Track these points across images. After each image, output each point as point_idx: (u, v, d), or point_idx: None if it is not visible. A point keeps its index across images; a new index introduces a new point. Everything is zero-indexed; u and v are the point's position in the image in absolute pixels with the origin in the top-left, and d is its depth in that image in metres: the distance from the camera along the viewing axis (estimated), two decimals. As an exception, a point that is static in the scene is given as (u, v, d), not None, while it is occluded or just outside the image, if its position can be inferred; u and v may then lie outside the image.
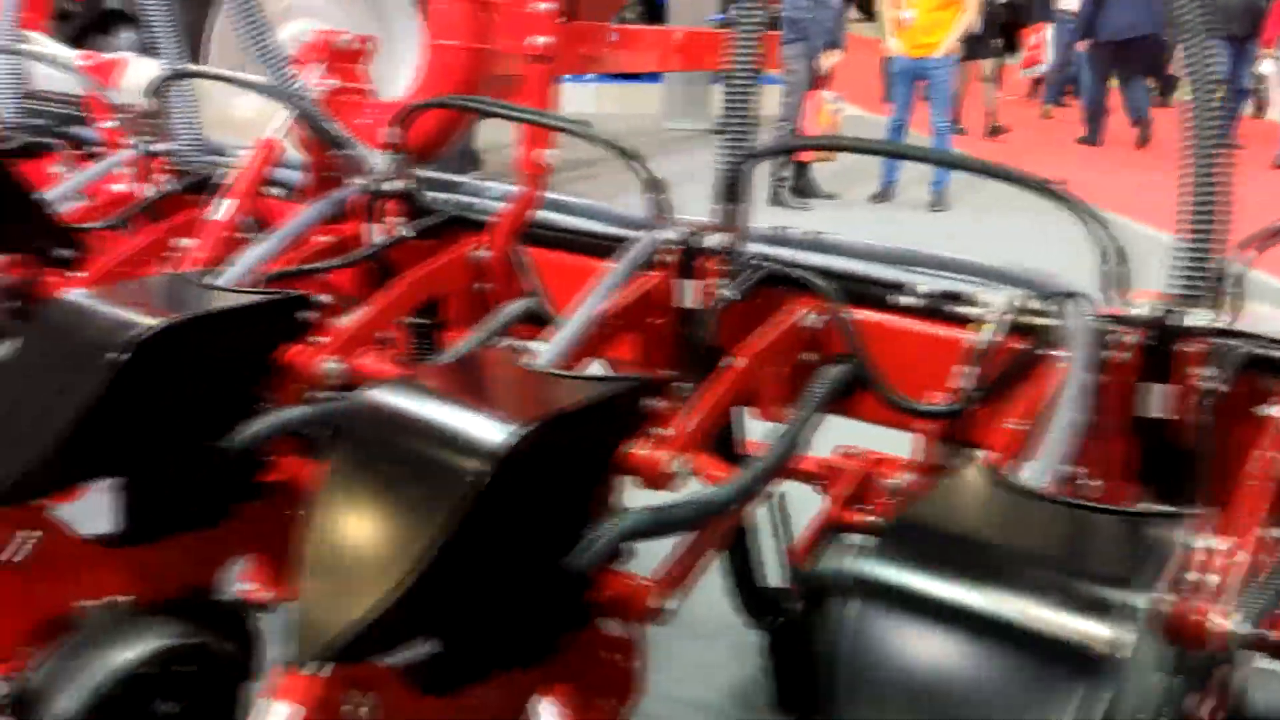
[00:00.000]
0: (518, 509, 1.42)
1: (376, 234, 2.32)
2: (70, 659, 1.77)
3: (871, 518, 2.08)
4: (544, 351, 1.71)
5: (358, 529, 1.40)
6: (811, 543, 2.11)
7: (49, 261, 2.49)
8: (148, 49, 4.63)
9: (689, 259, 1.90)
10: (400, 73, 5.40)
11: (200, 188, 2.68)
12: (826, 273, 1.93)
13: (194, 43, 5.13)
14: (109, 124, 2.93)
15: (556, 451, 1.46)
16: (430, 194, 2.39)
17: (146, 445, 1.83)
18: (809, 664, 2.12)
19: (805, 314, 1.91)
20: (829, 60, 8.43)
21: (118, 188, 2.86)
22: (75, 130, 3.18)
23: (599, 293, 1.83)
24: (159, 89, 2.61)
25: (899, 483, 2.02)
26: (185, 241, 2.47)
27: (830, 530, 2.10)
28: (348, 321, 2.09)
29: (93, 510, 1.93)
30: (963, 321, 1.82)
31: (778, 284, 1.94)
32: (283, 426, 1.96)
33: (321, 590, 1.38)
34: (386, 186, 2.30)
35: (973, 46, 10.63)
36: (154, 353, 1.75)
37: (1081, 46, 13.25)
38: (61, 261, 2.48)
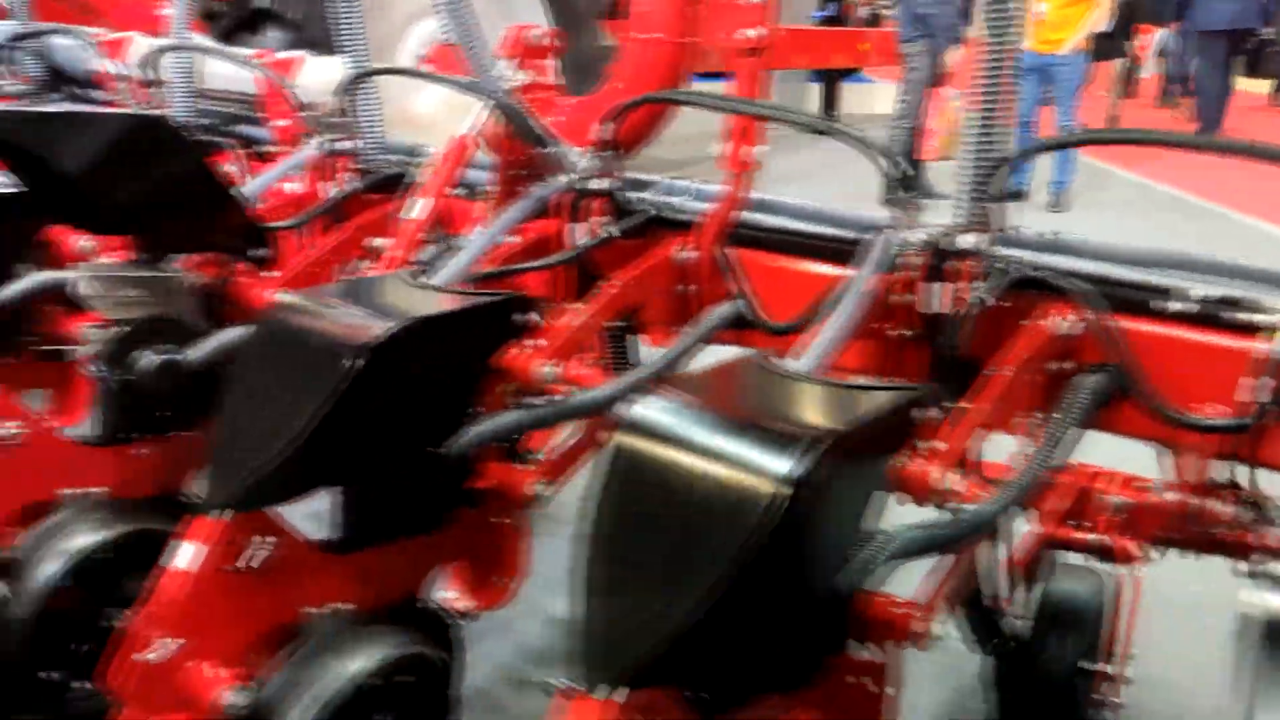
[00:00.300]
0: (809, 531, 1.33)
1: (579, 234, 2.26)
2: (304, 669, 1.74)
3: (1092, 535, 1.97)
4: (801, 360, 1.62)
5: (644, 549, 1.33)
6: (1029, 561, 2.00)
7: (242, 260, 2.48)
8: (295, 47, 4.65)
9: (939, 261, 1.80)
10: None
11: (383, 186, 2.65)
12: (1082, 276, 1.81)
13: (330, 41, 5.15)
14: (284, 123, 2.92)
15: (845, 471, 1.37)
16: (629, 193, 2.32)
17: (375, 450, 1.78)
18: (1042, 688, 2.01)
19: (1059, 320, 1.79)
20: (954, 57, 8.21)
21: (290, 186, 2.84)
22: (244, 129, 3.18)
23: (850, 297, 1.73)
24: (349, 87, 2.58)
25: (1125, 500, 1.90)
26: (378, 241, 2.43)
27: (1047, 548, 1.99)
28: (562, 324, 2.03)
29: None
30: (1244, 329, 1.69)
31: (1027, 288, 1.82)
32: (502, 431, 1.90)
33: (610, 613, 1.30)
34: (593, 185, 2.23)
35: (1104, 46, 10.21)
36: (388, 357, 1.70)
37: (1173, 28, 12.94)
38: (255, 260, 2.46)
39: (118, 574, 2.16)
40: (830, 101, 13.59)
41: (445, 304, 1.87)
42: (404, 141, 2.78)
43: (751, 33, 2.18)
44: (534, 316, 1.99)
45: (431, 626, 2.01)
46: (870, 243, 1.87)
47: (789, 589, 1.35)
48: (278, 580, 1.77)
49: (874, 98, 13.62)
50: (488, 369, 1.94)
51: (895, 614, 1.54)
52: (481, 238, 2.13)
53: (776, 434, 1.32)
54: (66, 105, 3.12)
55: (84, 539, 2.12)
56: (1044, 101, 8.45)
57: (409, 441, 1.83)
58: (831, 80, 13.47)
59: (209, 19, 5.07)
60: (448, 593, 2.13)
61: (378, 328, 1.71)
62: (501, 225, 2.18)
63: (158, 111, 2.88)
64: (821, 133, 1.92)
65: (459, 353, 1.88)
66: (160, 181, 2.23)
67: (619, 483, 1.37)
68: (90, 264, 2.31)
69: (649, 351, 2.36)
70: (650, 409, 1.41)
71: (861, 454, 1.43)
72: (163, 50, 2.97)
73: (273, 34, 5.24)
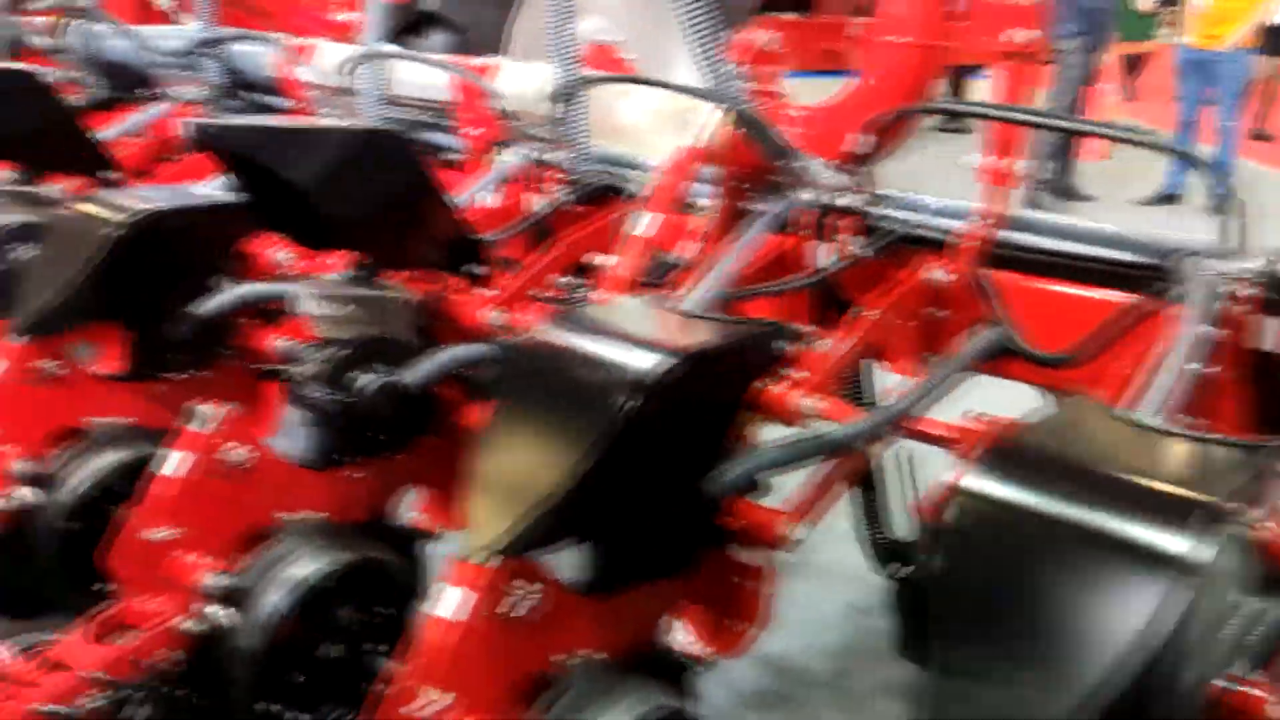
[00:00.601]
0: (1205, 620, 1.17)
1: (824, 253, 2.10)
2: (567, 725, 1.62)
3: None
4: (1143, 405, 1.45)
5: (1005, 635, 1.18)
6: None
7: (455, 276, 2.38)
8: (458, 51, 4.60)
9: (1275, 293, 1.60)
10: (676, 66, 5.18)
11: (593, 199, 2.54)
12: None
13: (494, 41, 5.08)
14: (478, 131, 2.83)
15: (1238, 550, 1.20)
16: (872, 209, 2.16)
17: (644, 490, 1.65)
18: None
19: None
20: (1110, 53, 7.84)
21: (481, 197, 2.74)
22: (431, 137, 3.09)
23: (1188, 337, 1.54)
24: (563, 94, 2.47)
25: None
26: (600, 258, 2.31)
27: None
28: (821, 354, 1.89)
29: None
30: None
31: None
32: (763, 468, 1.76)
33: (968, 702, 1.16)
34: (843, 201, 2.07)
35: (1276, 41, 9.42)
36: (665, 394, 1.57)
37: None
38: (471, 277, 2.36)
39: (340, 603, 2.09)
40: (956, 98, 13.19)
41: (711, 334, 1.74)
42: (607, 151, 2.66)
43: (1020, 35, 2.01)
44: (790, 345, 1.85)
45: (675, 675, 1.88)
46: (1186, 271, 1.68)
47: (1177, 682, 1.19)
48: (533, 626, 1.66)
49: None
50: (745, 401, 1.80)
51: (1251, 698, 1.37)
52: (728, 258, 1.99)
53: (1168, 510, 1.16)
54: (298, 120, 3.06)
55: (309, 568, 2.05)
56: (1206, 101, 8.02)
57: (673, 479, 1.70)
58: (959, 76, 13.06)
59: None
60: (684, 637, 2.00)
61: (652, 362, 1.58)
62: (745, 244, 2.04)
63: (388, 125, 2.80)
64: (1136, 144, 1.73)
65: (725, 385, 1.74)
66: (386, 196, 2.14)
67: (969, 560, 1.22)
68: (311, 280, 2.24)
69: (886, 379, 2.20)
70: (998, 475, 1.25)
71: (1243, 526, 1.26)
72: (363, 57, 2.89)
73: (436, 37, 5.21)
